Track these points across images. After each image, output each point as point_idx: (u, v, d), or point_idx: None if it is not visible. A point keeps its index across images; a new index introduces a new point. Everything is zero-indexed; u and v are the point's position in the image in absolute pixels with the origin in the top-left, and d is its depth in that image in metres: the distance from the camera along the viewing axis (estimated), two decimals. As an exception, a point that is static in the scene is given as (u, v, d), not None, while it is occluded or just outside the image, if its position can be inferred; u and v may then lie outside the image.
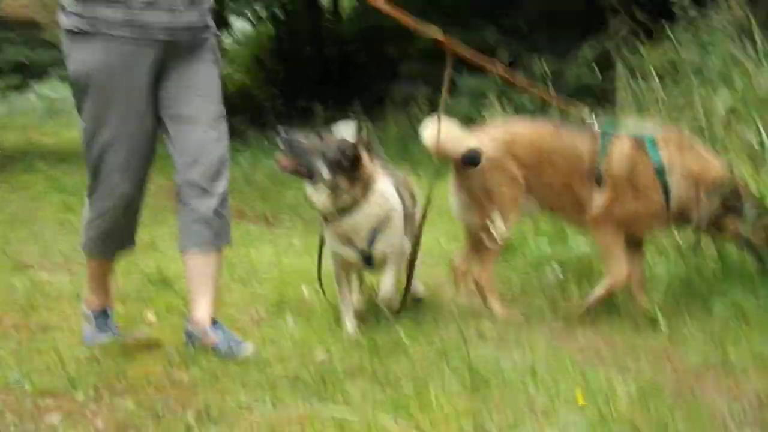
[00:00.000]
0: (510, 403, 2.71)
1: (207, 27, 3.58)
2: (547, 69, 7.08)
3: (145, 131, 3.51)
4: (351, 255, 3.72)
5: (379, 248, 3.69)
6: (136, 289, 4.65)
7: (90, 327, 3.76)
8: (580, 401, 2.67)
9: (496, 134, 4.08)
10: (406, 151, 9.30)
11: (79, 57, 3.38)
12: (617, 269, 3.87)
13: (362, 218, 3.63)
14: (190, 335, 3.55)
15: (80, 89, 3.43)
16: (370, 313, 3.89)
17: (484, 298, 4.03)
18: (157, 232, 5.92)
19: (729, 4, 6.06)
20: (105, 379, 3.20)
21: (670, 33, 6.12)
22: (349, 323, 3.77)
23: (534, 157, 3.99)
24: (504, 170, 3.97)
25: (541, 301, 4.18)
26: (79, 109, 3.48)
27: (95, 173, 3.53)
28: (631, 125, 4.05)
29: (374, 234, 3.67)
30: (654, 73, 6.03)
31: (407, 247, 3.89)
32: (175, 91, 3.51)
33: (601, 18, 6.96)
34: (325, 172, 3.54)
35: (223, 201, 3.55)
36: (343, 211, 3.61)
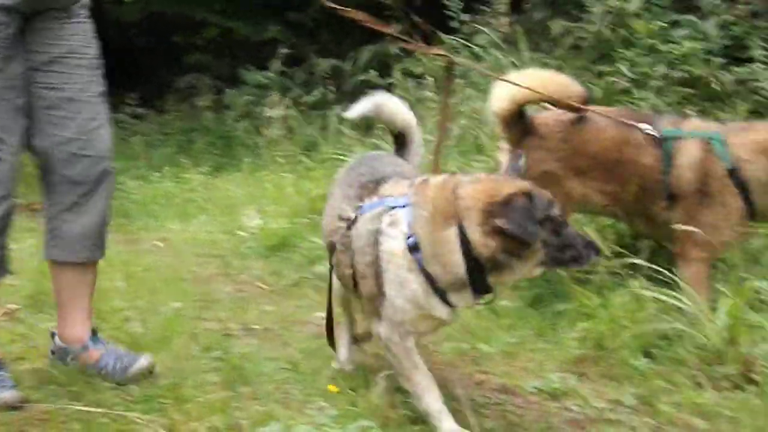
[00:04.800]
0: (264, 397, 2.72)
1: None
2: (325, 66, 7.20)
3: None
4: None
5: None
6: None
7: None
8: (333, 391, 2.73)
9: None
10: (189, 144, 9.11)
11: None
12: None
13: None
14: (62, 353, 3.07)
15: None
16: (131, 308, 3.77)
17: None
18: None
19: (499, 18, 6.46)
20: None
21: (445, 41, 6.40)
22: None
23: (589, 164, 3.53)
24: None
25: (312, 295, 4.18)
26: None
27: None
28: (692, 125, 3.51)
29: None
30: (429, 78, 6.31)
31: None
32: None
33: (385, 22, 7.21)
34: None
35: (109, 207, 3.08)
36: None
